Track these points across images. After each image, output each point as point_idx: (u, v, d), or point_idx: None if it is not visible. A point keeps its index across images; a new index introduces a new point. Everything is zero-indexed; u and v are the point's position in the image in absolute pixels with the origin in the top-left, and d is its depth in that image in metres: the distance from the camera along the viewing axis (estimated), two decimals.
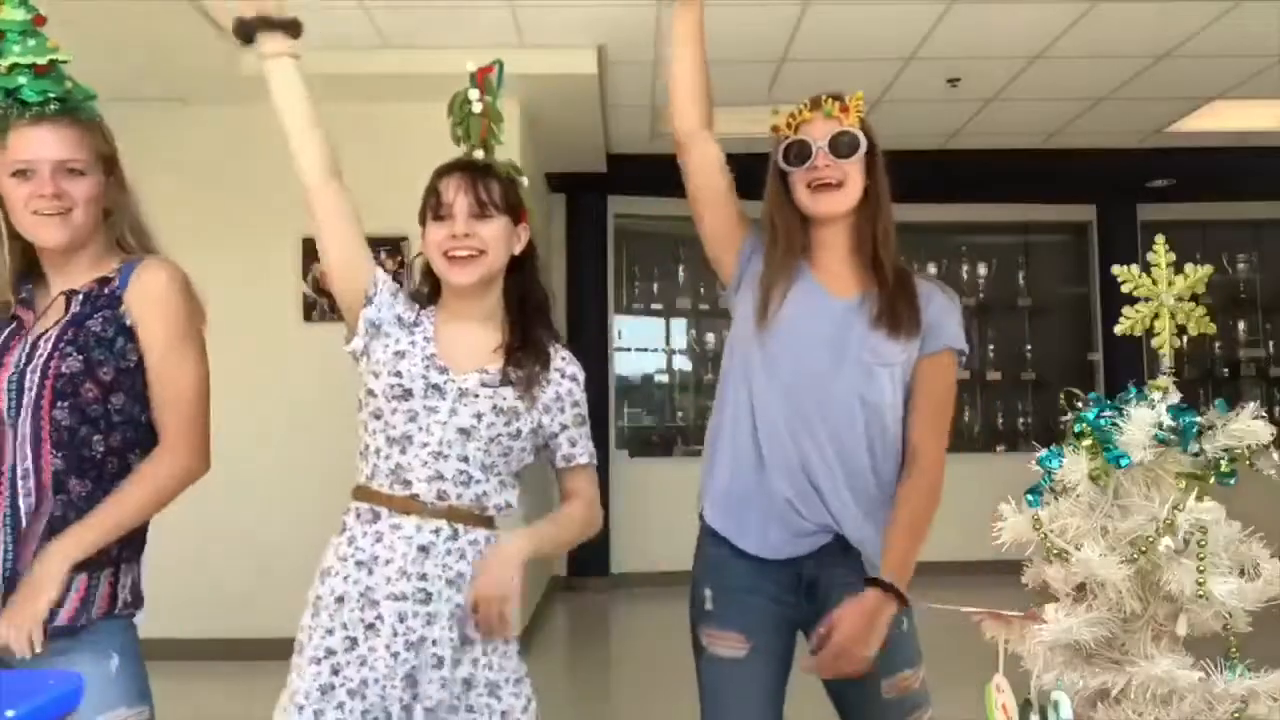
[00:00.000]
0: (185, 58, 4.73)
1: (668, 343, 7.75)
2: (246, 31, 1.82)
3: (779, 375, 1.96)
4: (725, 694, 1.95)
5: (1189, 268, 1.29)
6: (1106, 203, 7.43)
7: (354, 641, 1.77)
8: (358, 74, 4.82)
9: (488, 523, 1.84)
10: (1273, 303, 7.77)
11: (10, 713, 1.00)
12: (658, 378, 7.77)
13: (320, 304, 5.24)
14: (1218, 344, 7.66)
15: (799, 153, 1.96)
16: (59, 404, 1.76)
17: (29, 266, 1.86)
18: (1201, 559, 1.13)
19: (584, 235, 7.03)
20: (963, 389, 7.49)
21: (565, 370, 1.91)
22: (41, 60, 1.79)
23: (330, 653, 1.77)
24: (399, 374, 1.83)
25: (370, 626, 1.76)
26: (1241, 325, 7.80)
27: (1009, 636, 1.25)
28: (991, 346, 7.67)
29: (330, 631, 1.78)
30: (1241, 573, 1.16)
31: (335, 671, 1.76)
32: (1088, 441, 1.20)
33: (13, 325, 1.82)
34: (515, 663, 1.85)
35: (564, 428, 1.89)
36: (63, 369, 1.76)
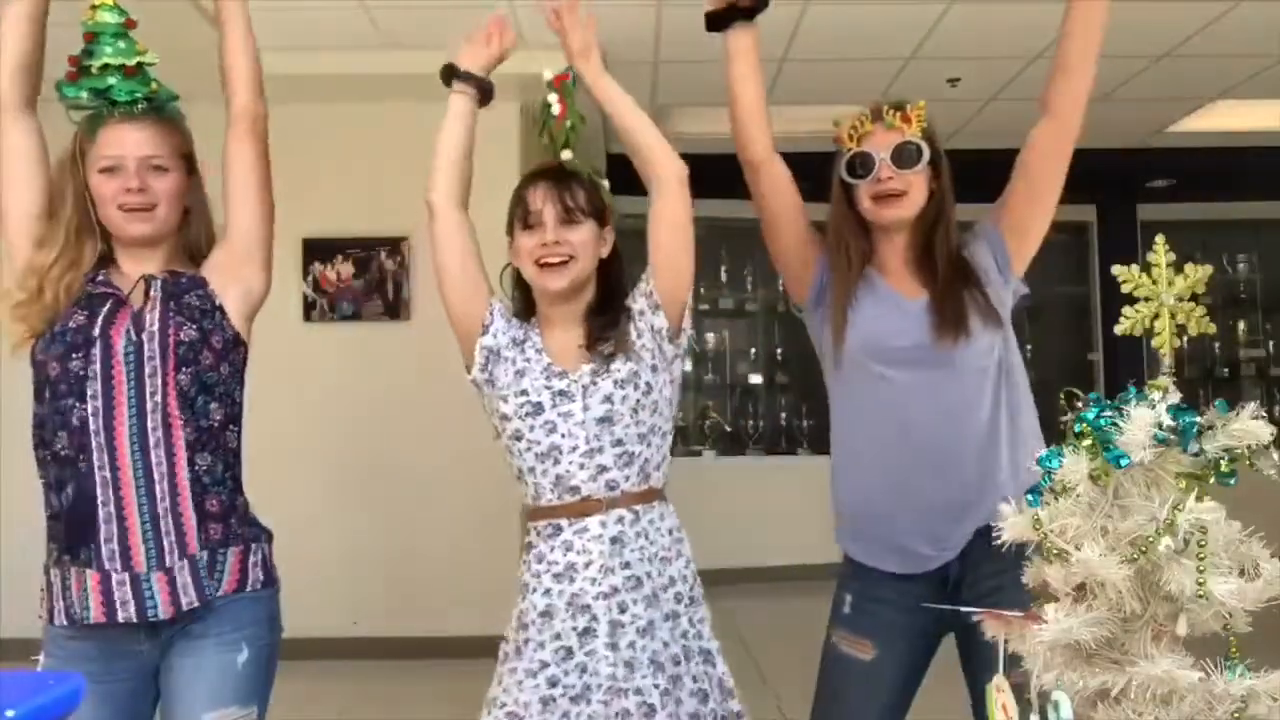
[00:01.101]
0: (185, 58, 4.72)
1: None
2: (451, 75, 1.96)
3: (869, 391, 1.99)
4: (845, 690, 2.00)
5: (1189, 268, 1.29)
6: (1106, 203, 7.42)
7: (569, 651, 1.79)
8: (358, 74, 4.82)
9: (658, 495, 1.91)
10: (1273, 303, 7.76)
11: (10, 713, 1.00)
12: None
13: (320, 304, 5.24)
14: (1218, 344, 7.65)
15: (862, 165, 1.98)
16: (183, 370, 1.80)
17: (104, 255, 1.92)
18: (1201, 559, 1.13)
19: None
20: None
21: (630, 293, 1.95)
22: (131, 62, 1.88)
23: (544, 665, 1.79)
24: (525, 392, 1.86)
25: (586, 631, 1.79)
26: (1241, 325, 7.79)
27: (1009, 636, 1.25)
28: None
29: (542, 645, 1.80)
30: (1241, 573, 1.16)
31: (553, 684, 1.78)
32: (1088, 441, 1.20)
33: (112, 300, 1.84)
34: (711, 631, 1.91)
35: (646, 278, 1.91)
36: (182, 337, 1.81)
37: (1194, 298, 1.29)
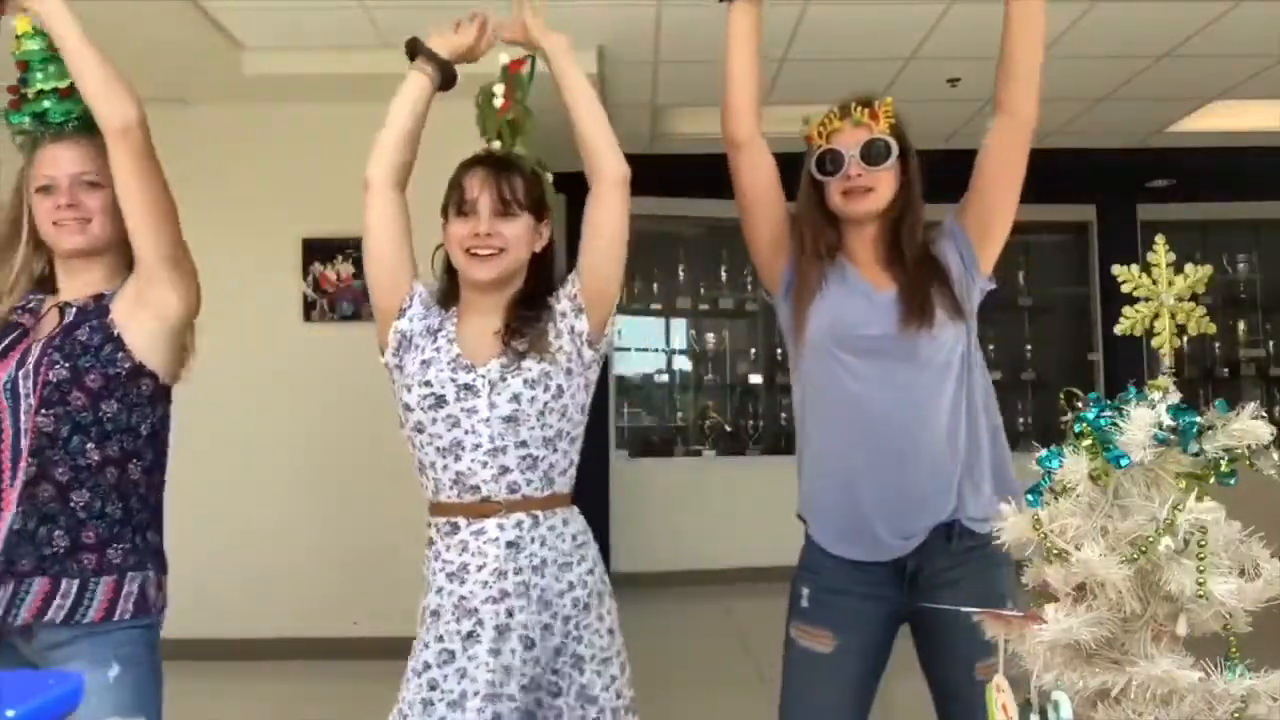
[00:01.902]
0: (185, 58, 4.73)
1: (668, 343, 7.75)
2: (415, 50, 1.95)
3: (832, 379, 1.99)
4: (808, 684, 1.99)
5: (1189, 268, 1.29)
6: (1106, 203, 7.43)
7: (451, 654, 1.77)
8: (358, 74, 4.81)
9: (562, 500, 1.86)
10: (1273, 303, 7.76)
11: (10, 713, 1.00)
12: (658, 378, 7.77)
13: (320, 304, 5.24)
14: (1218, 344, 7.65)
15: (832, 162, 2.00)
16: (44, 412, 1.80)
17: (43, 276, 1.93)
18: (1201, 559, 1.13)
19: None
20: None
21: (555, 293, 1.91)
22: (63, 84, 1.90)
23: (427, 666, 1.77)
24: (428, 383, 1.82)
25: (470, 635, 1.76)
26: (1241, 325, 7.79)
27: (1009, 636, 1.25)
28: (991, 346, 7.67)
29: (426, 645, 1.79)
30: (1241, 573, 1.16)
31: (433, 686, 1.76)
32: (1088, 441, 1.20)
33: (17, 332, 1.87)
34: (606, 641, 1.86)
35: (573, 279, 1.88)
36: (50, 377, 1.80)
37: (1194, 298, 1.29)
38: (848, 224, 2.04)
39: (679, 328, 7.79)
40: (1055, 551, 1.18)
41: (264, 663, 4.59)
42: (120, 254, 1.93)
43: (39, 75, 1.90)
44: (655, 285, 7.68)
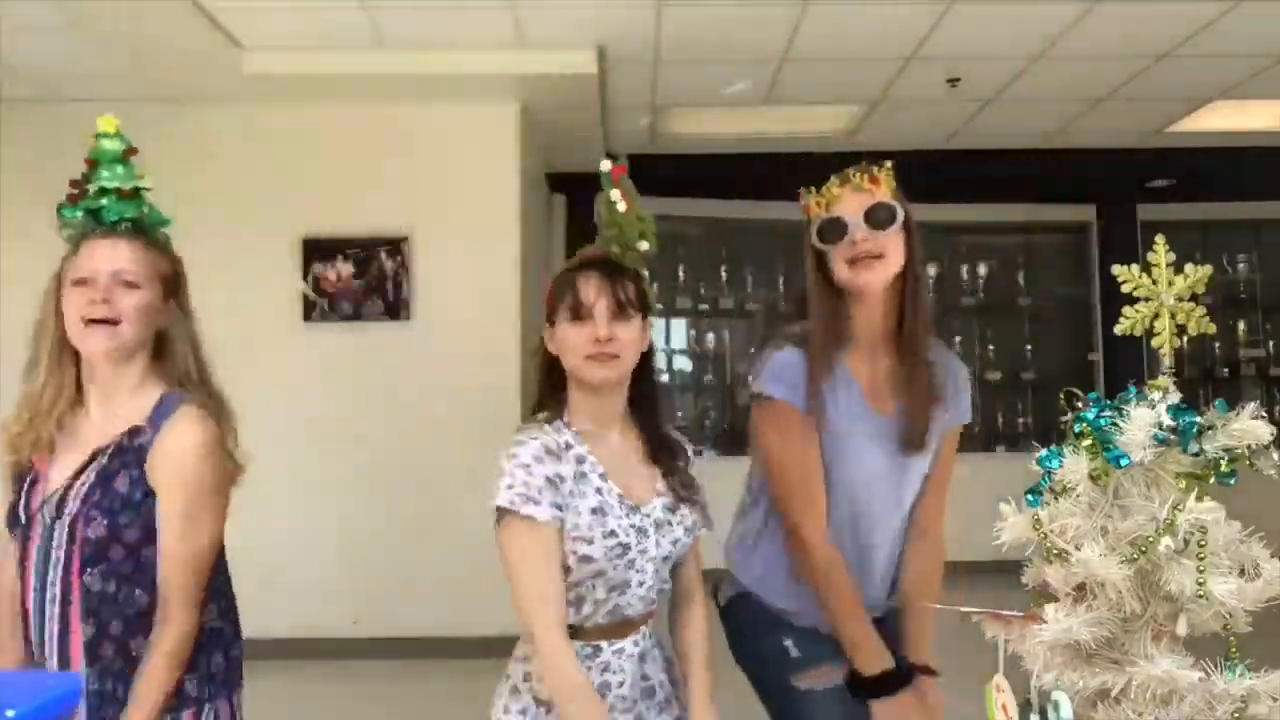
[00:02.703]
0: (185, 58, 4.73)
1: (668, 343, 7.75)
2: None
3: (827, 462, 1.99)
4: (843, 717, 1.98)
5: (1189, 268, 1.29)
6: (1106, 203, 7.43)
7: None
8: (358, 74, 4.82)
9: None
10: (1273, 303, 7.77)
11: (10, 713, 1.00)
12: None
13: (320, 304, 5.24)
14: (1218, 344, 7.66)
15: (835, 229, 1.91)
16: (89, 570, 1.78)
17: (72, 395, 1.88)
18: (1201, 559, 1.13)
19: (584, 235, 7.00)
20: None
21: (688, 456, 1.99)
22: (127, 186, 1.89)
23: None
24: (613, 532, 1.79)
25: None
26: (1241, 325, 7.80)
27: (1009, 636, 1.25)
28: (991, 346, 7.67)
29: None
30: (1241, 573, 1.16)
31: None
32: (1088, 441, 1.20)
33: (32, 477, 1.85)
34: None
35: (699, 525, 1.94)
36: (89, 534, 1.78)
37: (1194, 298, 1.29)
38: (855, 302, 1.95)
39: (679, 328, 7.80)
40: (1055, 551, 1.19)
41: (264, 662, 4.60)
42: (149, 361, 1.88)
43: (105, 172, 1.87)
44: (655, 285, 7.66)
